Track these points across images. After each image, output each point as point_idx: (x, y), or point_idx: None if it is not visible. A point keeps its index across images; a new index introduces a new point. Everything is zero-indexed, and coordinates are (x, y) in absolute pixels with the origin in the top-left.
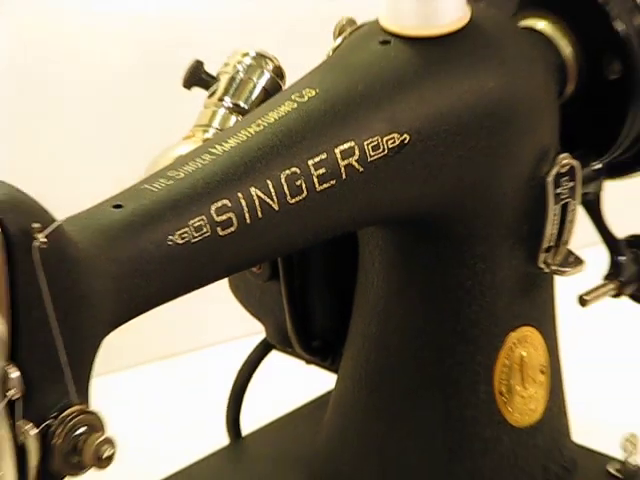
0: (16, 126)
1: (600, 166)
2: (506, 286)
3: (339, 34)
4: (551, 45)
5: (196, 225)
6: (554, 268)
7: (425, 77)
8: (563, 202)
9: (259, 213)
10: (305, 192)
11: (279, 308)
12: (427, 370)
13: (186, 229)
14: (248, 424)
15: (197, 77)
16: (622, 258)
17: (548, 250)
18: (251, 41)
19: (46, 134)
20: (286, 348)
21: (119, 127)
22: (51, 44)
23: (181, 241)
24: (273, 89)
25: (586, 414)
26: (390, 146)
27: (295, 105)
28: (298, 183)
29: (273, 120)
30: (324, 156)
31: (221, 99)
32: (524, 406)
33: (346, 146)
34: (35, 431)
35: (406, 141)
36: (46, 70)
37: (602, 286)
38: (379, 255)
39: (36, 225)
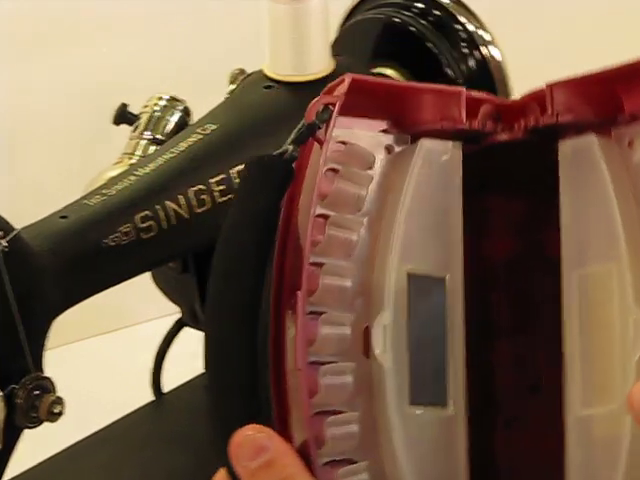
0: None
1: None
2: None
3: (233, 81)
4: None
5: (124, 231)
6: None
7: (299, 113)
8: None
9: (173, 221)
10: (210, 204)
11: (191, 294)
12: None
13: (117, 234)
14: (167, 384)
15: (123, 116)
16: None
17: None
18: (165, 87)
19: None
20: (196, 325)
21: (65, 154)
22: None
23: (113, 243)
24: (182, 124)
25: None
26: None
27: (200, 137)
28: (203, 197)
29: (183, 148)
30: (223, 176)
31: (142, 133)
32: None
33: (240, 167)
34: (1, 393)
35: None
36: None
37: None
38: None
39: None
